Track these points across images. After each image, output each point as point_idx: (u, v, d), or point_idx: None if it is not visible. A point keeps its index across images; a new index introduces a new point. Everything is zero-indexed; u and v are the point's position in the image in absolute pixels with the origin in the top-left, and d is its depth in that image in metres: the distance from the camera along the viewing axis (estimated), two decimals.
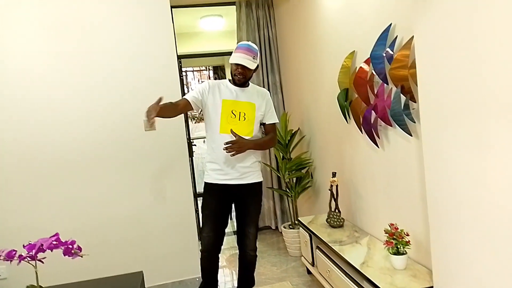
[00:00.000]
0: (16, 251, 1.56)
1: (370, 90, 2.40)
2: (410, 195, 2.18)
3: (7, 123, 2.83)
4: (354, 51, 2.61)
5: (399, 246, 2.08)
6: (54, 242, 1.56)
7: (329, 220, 2.90)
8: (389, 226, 2.14)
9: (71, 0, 2.88)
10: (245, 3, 4.09)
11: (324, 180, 3.40)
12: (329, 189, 2.92)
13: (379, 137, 2.42)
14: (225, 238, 2.61)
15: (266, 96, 2.62)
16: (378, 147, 2.45)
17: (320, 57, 3.22)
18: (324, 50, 3.11)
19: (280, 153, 3.72)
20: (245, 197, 2.57)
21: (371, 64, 2.33)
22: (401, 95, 2.06)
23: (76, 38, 2.91)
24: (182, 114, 2.78)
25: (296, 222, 3.58)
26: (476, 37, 1.27)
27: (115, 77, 2.98)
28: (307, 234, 2.97)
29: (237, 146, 2.37)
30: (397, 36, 2.11)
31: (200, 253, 2.61)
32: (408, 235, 2.08)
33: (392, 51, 2.12)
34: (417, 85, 1.63)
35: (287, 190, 3.76)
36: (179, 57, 3.92)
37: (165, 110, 2.26)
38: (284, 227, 3.75)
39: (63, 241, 1.58)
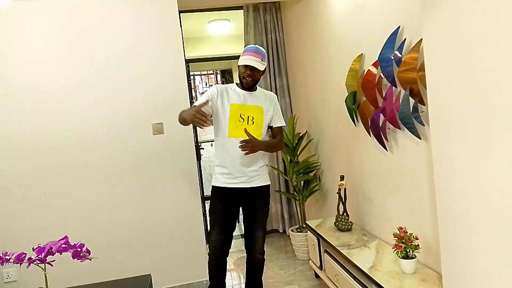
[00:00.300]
0: (25, 254, 1.57)
1: (378, 93, 2.39)
2: (419, 198, 2.16)
3: (18, 129, 2.87)
4: (362, 54, 2.61)
5: (408, 250, 2.06)
6: (63, 245, 1.57)
7: (337, 223, 2.89)
8: (398, 230, 2.12)
9: (81, 6, 2.92)
10: (252, 7, 4.10)
11: (332, 183, 3.39)
12: (337, 192, 2.90)
13: (387, 140, 2.41)
14: (233, 241, 2.60)
15: (273, 99, 2.62)
16: (387, 150, 2.44)
17: (327, 60, 3.21)
18: (332, 53, 3.11)
19: (288, 156, 3.71)
20: (253, 201, 2.57)
21: (379, 67, 2.32)
22: (410, 98, 2.05)
23: (86, 44, 2.94)
24: None
25: (304, 225, 3.57)
26: (485, 40, 1.26)
27: (124, 82, 3.01)
28: (315, 237, 2.96)
29: (251, 145, 2.38)
30: (405, 38, 2.10)
31: (207, 256, 2.61)
32: (417, 238, 2.07)
33: (401, 53, 2.11)
34: (426, 88, 1.62)
35: (295, 193, 3.75)
36: (187, 61, 3.94)
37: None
38: (292, 231, 3.74)
39: (72, 244, 1.59)
